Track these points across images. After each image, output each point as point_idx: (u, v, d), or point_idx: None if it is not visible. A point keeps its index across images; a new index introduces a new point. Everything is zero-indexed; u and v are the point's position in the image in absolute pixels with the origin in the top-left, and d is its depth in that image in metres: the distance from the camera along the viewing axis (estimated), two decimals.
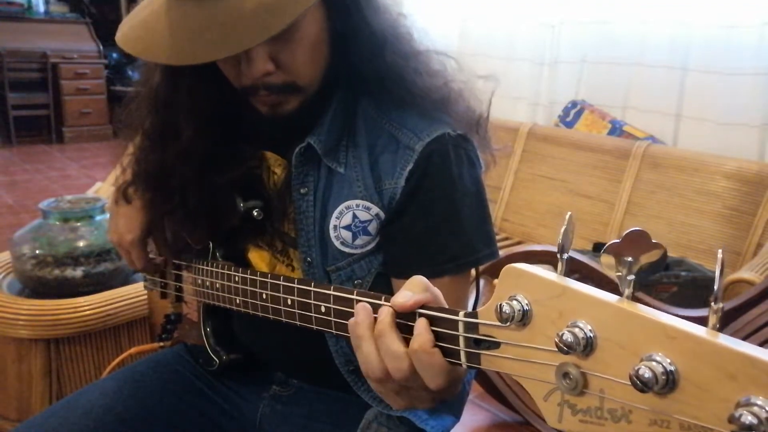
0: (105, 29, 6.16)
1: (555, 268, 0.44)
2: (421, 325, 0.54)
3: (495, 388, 1.70)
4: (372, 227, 0.79)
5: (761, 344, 0.34)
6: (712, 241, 2.04)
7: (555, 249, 0.44)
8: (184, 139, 0.81)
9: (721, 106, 2.14)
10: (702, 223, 2.08)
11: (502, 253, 1.58)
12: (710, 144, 2.17)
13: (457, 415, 0.75)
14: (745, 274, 1.55)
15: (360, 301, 0.61)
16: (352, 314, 0.60)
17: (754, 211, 1.96)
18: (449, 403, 0.71)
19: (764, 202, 1.94)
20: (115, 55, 6.41)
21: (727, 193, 2.04)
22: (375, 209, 0.78)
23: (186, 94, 0.80)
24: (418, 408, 0.58)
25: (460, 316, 0.51)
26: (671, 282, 1.86)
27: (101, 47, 6.10)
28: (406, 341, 0.55)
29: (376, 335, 0.56)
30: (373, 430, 0.74)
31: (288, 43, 0.72)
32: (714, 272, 0.37)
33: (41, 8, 6.33)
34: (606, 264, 0.41)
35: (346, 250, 0.80)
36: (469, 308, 0.84)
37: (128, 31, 0.74)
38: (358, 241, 0.79)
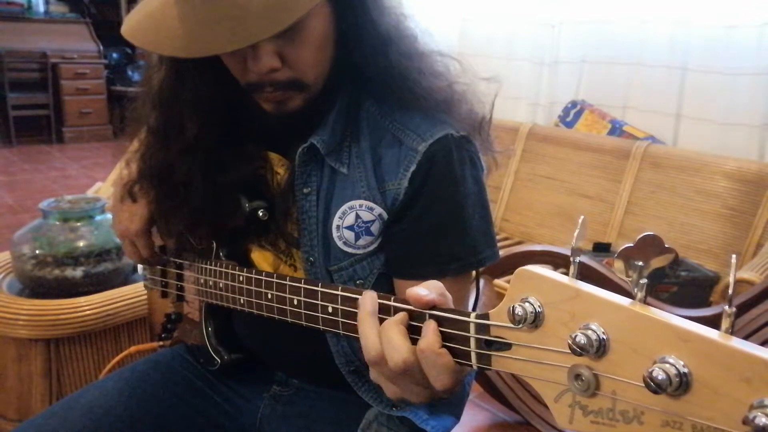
0: (105, 29, 6.16)
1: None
2: (429, 327, 0.54)
3: (495, 388, 1.70)
4: (375, 228, 0.79)
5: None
6: (712, 241, 2.05)
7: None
8: (188, 136, 0.81)
9: (721, 106, 2.15)
10: (702, 223, 2.08)
11: (502, 253, 1.58)
12: (710, 144, 2.17)
13: (457, 415, 0.75)
14: (745, 274, 1.56)
15: None
16: None
17: (754, 211, 1.97)
18: (449, 403, 0.71)
19: (764, 202, 1.95)
20: (115, 55, 6.39)
21: (727, 193, 2.04)
22: (378, 210, 0.78)
23: (190, 90, 0.80)
24: (411, 401, 0.58)
25: (472, 318, 0.51)
26: (671, 282, 1.87)
27: (101, 47, 6.08)
28: (414, 342, 0.55)
29: (381, 328, 0.56)
30: (373, 430, 0.74)
31: (295, 39, 0.72)
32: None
33: (41, 8, 6.31)
34: (618, 268, 0.41)
35: (349, 250, 0.80)
36: (469, 308, 0.84)
37: (135, 23, 0.74)
38: (361, 242, 0.79)
